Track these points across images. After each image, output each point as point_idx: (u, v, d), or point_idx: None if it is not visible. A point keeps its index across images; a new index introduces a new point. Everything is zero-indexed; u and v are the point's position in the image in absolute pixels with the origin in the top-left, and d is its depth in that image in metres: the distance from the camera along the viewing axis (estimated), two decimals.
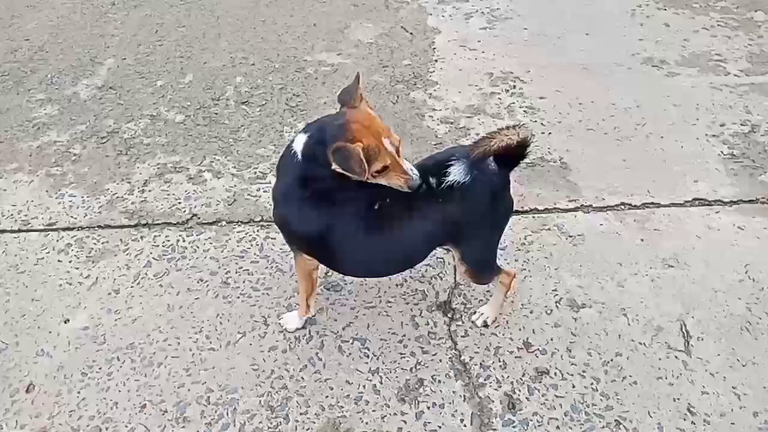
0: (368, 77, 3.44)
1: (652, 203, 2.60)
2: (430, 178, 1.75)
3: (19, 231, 2.56)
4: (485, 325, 2.11)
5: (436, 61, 3.60)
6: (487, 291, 2.19)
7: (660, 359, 2.01)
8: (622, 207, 2.60)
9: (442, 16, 4.07)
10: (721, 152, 2.87)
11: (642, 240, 2.43)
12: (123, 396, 1.94)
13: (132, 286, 2.30)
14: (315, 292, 2.09)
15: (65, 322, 2.18)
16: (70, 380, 1.99)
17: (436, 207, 1.76)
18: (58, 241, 2.51)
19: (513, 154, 1.72)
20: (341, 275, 2.28)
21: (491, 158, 1.74)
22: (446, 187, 1.73)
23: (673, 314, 2.15)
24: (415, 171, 1.72)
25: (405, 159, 1.73)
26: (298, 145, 1.74)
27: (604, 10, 4.11)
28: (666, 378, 1.96)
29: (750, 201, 2.61)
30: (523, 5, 4.16)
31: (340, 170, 1.63)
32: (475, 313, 2.14)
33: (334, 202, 1.76)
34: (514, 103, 3.23)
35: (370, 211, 1.76)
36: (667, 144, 2.94)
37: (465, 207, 1.77)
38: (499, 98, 3.28)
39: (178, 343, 2.10)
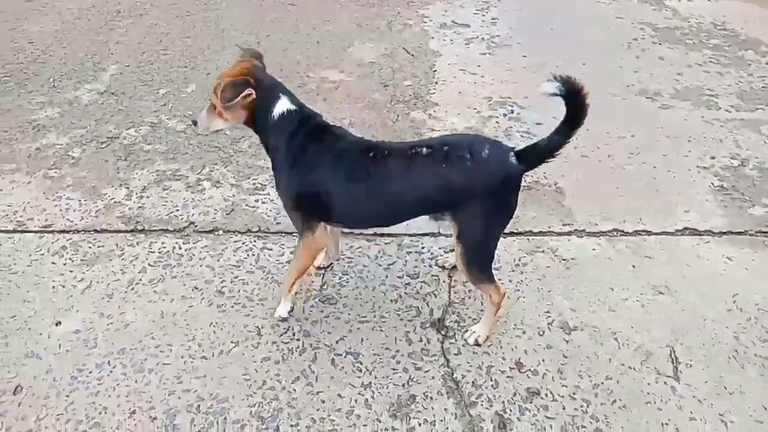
0: (369, 95, 3.49)
1: (644, 231, 2.65)
2: (440, 147, 1.89)
3: (14, 231, 2.55)
4: (477, 344, 2.12)
5: (436, 83, 3.67)
6: (481, 310, 2.21)
7: (649, 384, 2.03)
8: (615, 233, 2.64)
9: (444, 40, 4.15)
10: (712, 184, 2.94)
11: (633, 266, 2.47)
12: (112, 401, 1.92)
13: (126, 291, 2.29)
14: (307, 276, 2.18)
15: (56, 325, 2.16)
16: (59, 383, 1.97)
17: (436, 168, 1.87)
18: (53, 243, 2.50)
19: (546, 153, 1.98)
20: (336, 289, 2.30)
21: (512, 152, 1.91)
22: (456, 156, 1.85)
23: (663, 340, 2.18)
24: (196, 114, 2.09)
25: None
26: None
27: (601, 41, 4.22)
28: (654, 403, 1.97)
29: (739, 233, 2.66)
30: (522, 34, 4.27)
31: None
32: (467, 331, 2.16)
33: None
34: (511, 127, 3.29)
35: (367, 156, 1.92)
36: (660, 174, 3.00)
37: (473, 177, 1.86)
38: (497, 122, 3.34)
39: (170, 350, 2.09)
